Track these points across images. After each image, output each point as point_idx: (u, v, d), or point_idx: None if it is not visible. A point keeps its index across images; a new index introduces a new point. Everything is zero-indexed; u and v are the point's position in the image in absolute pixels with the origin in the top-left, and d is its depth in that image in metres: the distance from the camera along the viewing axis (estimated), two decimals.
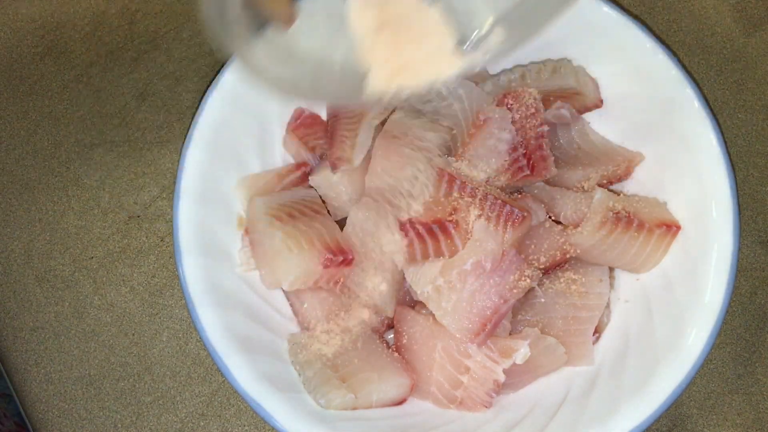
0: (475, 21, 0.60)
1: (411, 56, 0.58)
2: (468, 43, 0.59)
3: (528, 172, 0.67)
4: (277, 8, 0.60)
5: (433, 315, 0.63)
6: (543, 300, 0.67)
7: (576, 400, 0.64)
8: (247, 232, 0.69)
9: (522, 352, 0.63)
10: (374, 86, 0.58)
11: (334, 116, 0.73)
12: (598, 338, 0.69)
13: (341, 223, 0.69)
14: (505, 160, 0.67)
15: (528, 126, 0.68)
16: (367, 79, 0.58)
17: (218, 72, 0.70)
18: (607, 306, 0.69)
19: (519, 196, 0.70)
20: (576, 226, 0.68)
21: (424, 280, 0.63)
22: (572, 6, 0.58)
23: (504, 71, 0.75)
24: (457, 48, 0.58)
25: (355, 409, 0.63)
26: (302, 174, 0.73)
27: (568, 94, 0.73)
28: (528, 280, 0.63)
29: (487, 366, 0.63)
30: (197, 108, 0.69)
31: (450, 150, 0.69)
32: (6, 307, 0.78)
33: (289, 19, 0.61)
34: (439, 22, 0.58)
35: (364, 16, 0.58)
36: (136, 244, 0.79)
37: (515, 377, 0.66)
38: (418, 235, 0.64)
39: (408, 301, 0.68)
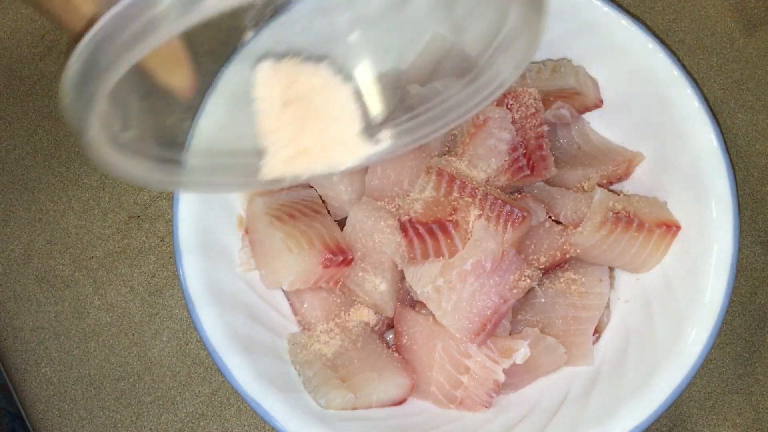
0: (386, 103, 0.58)
1: (314, 140, 0.54)
2: (375, 127, 0.56)
3: (528, 172, 0.67)
4: (175, 81, 0.51)
5: (433, 315, 0.63)
6: (543, 300, 0.67)
7: (576, 400, 0.64)
8: (247, 232, 0.69)
9: (522, 352, 0.63)
10: (272, 169, 0.54)
11: None
12: (598, 338, 0.69)
13: (341, 223, 0.69)
14: (505, 160, 0.67)
15: (528, 126, 0.68)
16: (265, 161, 0.54)
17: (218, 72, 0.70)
18: (607, 306, 0.69)
19: (519, 196, 0.70)
20: (576, 226, 0.68)
21: (424, 280, 0.63)
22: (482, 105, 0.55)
23: None
24: (363, 133, 0.56)
25: (355, 409, 0.63)
26: None
27: (568, 94, 0.73)
28: (528, 280, 0.63)
29: (487, 366, 0.63)
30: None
31: (450, 150, 0.69)
32: (6, 307, 0.78)
33: (188, 92, 0.53)
34: (349, 102, 0.55)
35: (270, 91, 0.54)
36: (136, 244, 0.79)
37: (515, 377, 0.66)
38: (418, 235, 0.64)
39: (408, 301, 0.68)
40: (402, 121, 0.57)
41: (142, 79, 0.47)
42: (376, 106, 0.57)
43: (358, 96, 0.56)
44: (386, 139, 0.57)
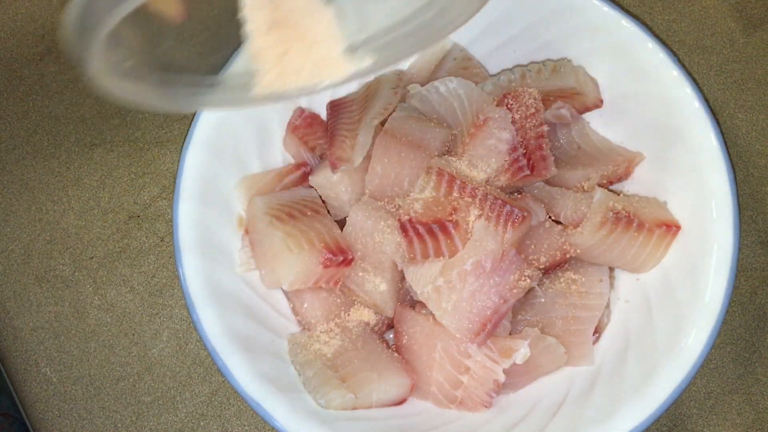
0: (369, 25, 0.61)
1: (299, 61, 0.58)
2: (358, 47, 0.60)
3: (528, 172, 0.67)
4: (165, 5, 0.58)
5: (433, 315, 0.63)
6: (543, 300, 0.67)
7: (576, 400, 0.64)
8: (247, 232, 0.69)
9: (522, 352, 0.63)
10: (263, 87, 0.58)
11: (334, 116, 0.73)
12: (598, 338, 0.69)
13: (341, 223, 0.69)
14: (505, 160, 0.67)
15: (528, 126, 0.68)
16: (256, 79, 0.58)
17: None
18: (607, 306, 0.69)
19: (519, 196, 0.70)
20: (576, 226, 0.68)
21: (424, 280, 0.63)
22: (464, 22, 0.59)
23: (504, 71, 0.75)
24: (346, 53, 0.59)
25: (355, 409, 0.63)
26: (302, 174, 0.73)
27: (568, 94, 0.73)
28: (528, 280, 0.63)
29: (487, 366, 0.63)
30: None
31: (450, 150, 0.69)
32: (6, 307, 0.78)
33: (177, 14, 0.59)
34: (331, 24, 0.58)
35: (255, 16, 0.58)
36: (136, 244, 0.79)
37: (515, 377, 0.66)
38: (418, 235, 0.64)
39: (408, 301, 0.68)
40: (383, 39, 0.61)
41: (136, 12, 0.51)
42: (357, 27, 0.61)
43: (341, 17, 0.59)
44: (369, 57, 0.60)
